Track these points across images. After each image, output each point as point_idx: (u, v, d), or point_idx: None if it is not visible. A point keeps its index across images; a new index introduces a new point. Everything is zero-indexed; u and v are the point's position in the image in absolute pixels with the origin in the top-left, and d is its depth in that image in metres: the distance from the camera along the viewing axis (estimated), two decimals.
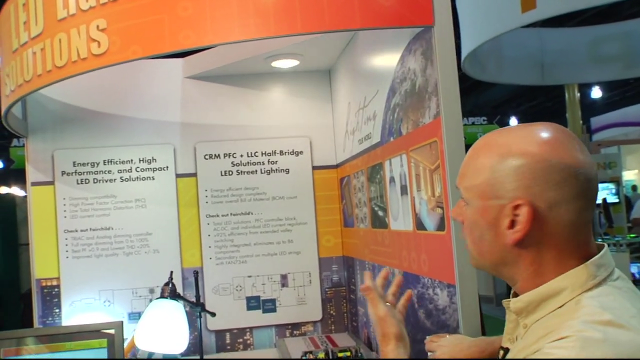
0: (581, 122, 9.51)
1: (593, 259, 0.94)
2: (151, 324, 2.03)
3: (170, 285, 2.11)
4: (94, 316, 2.86)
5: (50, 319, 2.89)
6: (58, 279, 2.89)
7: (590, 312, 0.87)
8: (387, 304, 1.35)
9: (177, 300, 2.09)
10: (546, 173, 0.91)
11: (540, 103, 15.60)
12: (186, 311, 2.23)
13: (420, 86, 1.86)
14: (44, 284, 2.89)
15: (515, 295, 1.02)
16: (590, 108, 13.08)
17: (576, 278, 0.93)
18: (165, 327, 2.03)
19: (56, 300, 2.89)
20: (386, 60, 2.22)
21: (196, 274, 2.27)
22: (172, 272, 2.27)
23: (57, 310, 2.89)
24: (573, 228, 0.94)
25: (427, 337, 1.61)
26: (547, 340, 0.86)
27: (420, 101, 1.87)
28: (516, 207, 0.93)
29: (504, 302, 1.04)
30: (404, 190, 2.08)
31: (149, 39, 1.77)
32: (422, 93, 1.85)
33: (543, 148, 0.92)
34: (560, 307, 0.93)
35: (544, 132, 0.95)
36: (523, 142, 0.94)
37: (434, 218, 1.82)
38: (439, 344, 1.55)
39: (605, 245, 1.01)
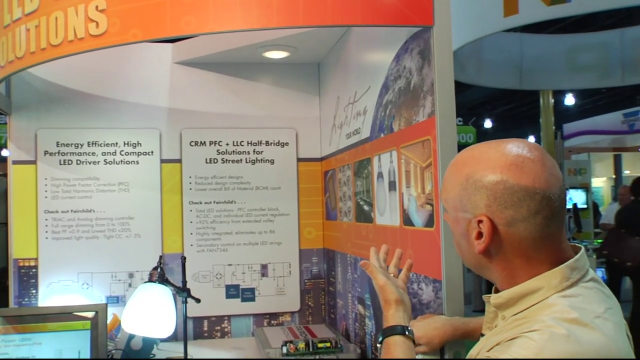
0: (554, 127, 9.70)
1: (568, 262, 1.04)
2: (139, 307, 2.03)
3: (159, 270, 2.12)
4: (72, 298, 2.84)
5: (26, 299, 2.85)
6: (36, 259, 2.86)
7: (560, 310, 0.97)
8: (391, 274, 1.51)
9: (165, 285, 2.10)
10: (504, 194, 1.02)
11: (516, 107, 15.83)
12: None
13: (416, 85, 1.89)
14: (21, 264, 2.86)
15: (497, 291, 1.13)
16: (563, 114, 13.34)
17: (551, 279, 1.03)
18: (152, 311, 2.03)
19: (33, 280, 2.86)
20: (380, 57, 2.25)
21: (184, 259, 2.28)
22: (161, 257, 2.29)
23: (33, 291, 2.86)
24: (538, 240, 1.03)
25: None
26: (521, 330, 0.97)
27: (415, 99, 1.90)
28: (479, 221, 1.05)
29: (485, 297, 1.15)
30: (392, 185, 2.12)
31: (149, 23, 1.76)
32: (417, 92, 1.88)
33: (503, 171, 1.03)
34: (535, 304, 1.03)
35: (509, 154, 1.05)
36: (487, 164, 1.06)
37: (423, 214, 1.86)
38: (413, 321, 1.62)
39: (582, 248, 1.10)
